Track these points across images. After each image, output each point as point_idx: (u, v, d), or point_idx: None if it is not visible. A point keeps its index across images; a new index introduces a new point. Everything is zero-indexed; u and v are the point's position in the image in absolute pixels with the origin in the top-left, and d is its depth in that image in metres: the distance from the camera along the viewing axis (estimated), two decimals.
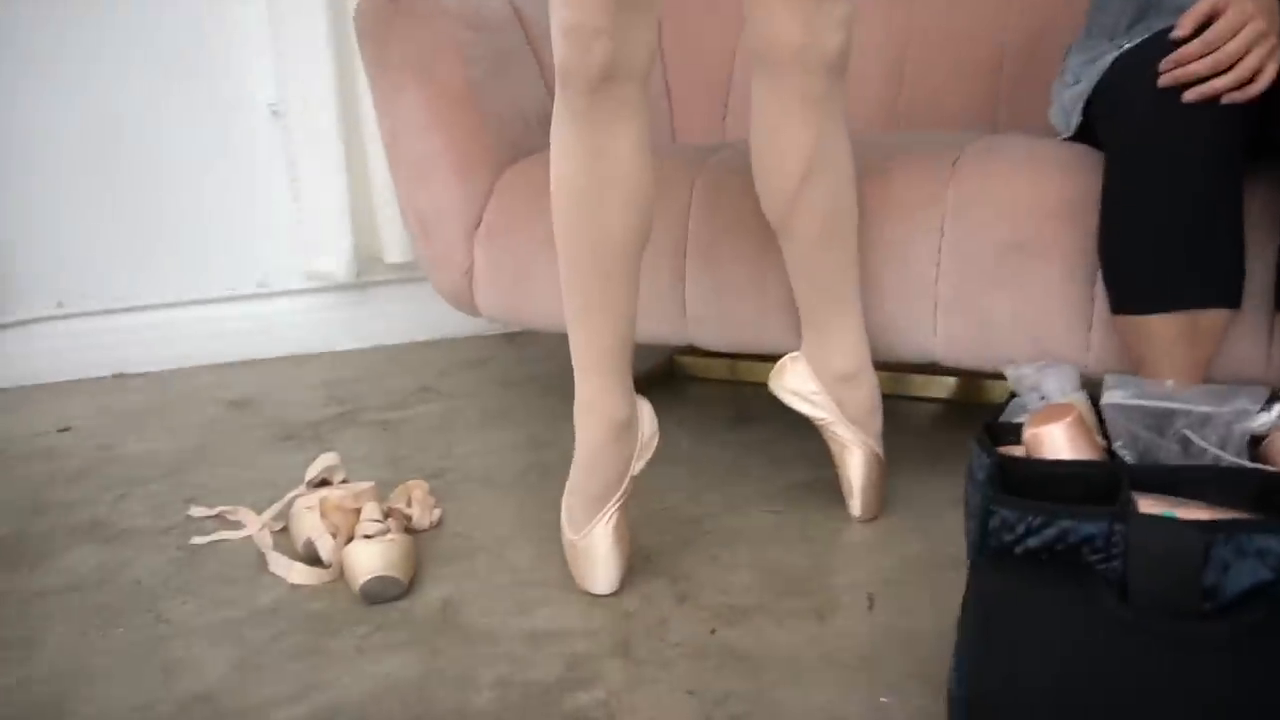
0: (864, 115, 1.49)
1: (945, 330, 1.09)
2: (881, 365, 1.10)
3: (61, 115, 1.87)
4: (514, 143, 1.41)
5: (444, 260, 1.38)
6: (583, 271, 0.91)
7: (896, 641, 0.88)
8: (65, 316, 1.95)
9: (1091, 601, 0.53)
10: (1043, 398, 0.70)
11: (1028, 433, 0.64)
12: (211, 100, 1.91)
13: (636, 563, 1.04)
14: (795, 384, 1.06)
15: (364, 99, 1.85)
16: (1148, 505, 0.55)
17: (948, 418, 1.44)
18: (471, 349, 1.95)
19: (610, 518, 0.95)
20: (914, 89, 1.48)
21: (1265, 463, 0.61)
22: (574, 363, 0.95)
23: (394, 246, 1.92)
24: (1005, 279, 1.05)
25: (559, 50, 0.85)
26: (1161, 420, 0.61)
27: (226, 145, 1.92)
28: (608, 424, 0.93)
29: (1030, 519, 0.56)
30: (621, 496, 0.96)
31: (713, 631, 0.91)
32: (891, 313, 1.11)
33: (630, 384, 0.96)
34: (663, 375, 1.64)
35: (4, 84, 1.85)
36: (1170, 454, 0.61)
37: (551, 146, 0.90)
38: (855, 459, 1.06)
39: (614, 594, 0.98)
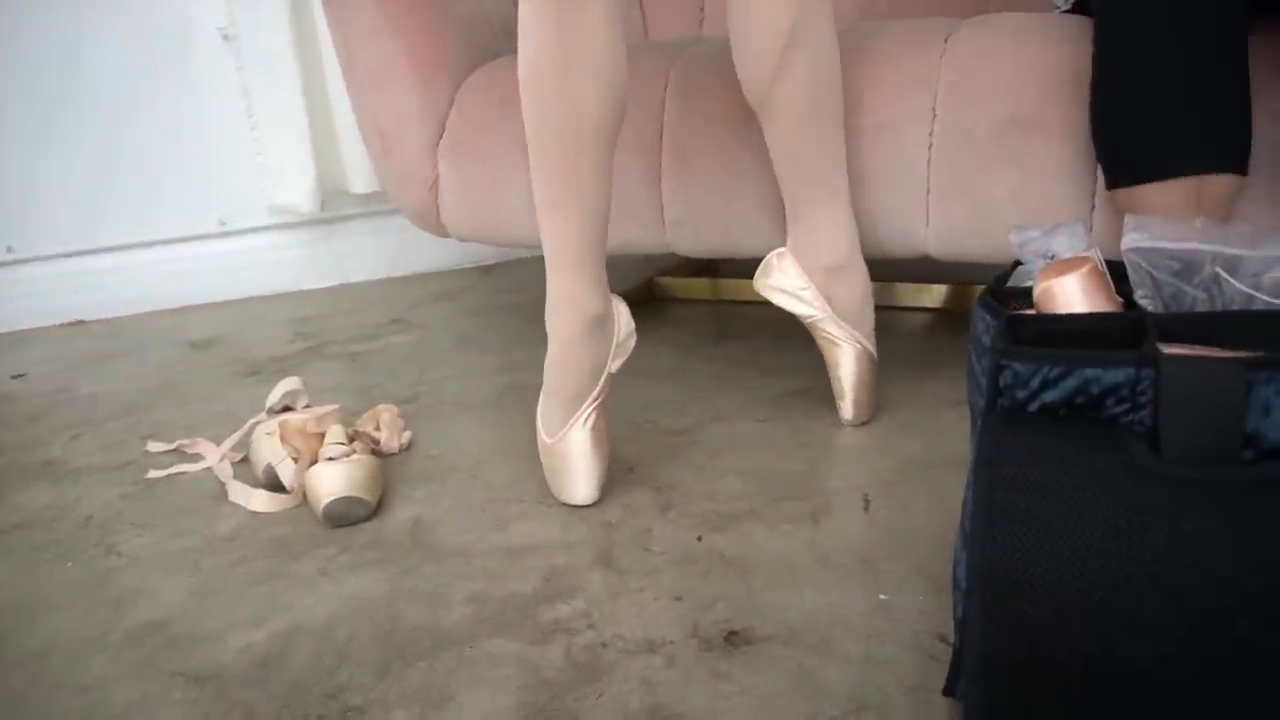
0: (842, 14, 1.41)
1: (938, 218, 1.03)
2: (871, 275, 1.03)
3: (1, 54, 1.77)
4: (478, 47, 1.32)
5: (406, 175, 1.30)
6: (553, 158, 0.83)
7: (896, 542, 0.83)
8: (16, 263, 1.87)
9: (1118, 455, 0.48)
10: (1051, 257, 0.64)
11: (1038, 288, 0.58)
12: (157, 28, 1.80)
13: (618, 475, 0.98)
14: (782, 281, 0.99)
15: (318, 17, 1.75)
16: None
17: (939, 326, 1.38)
18: (444, 282, 1.88)
19: (587, 418, 0.89)
20: None
21: None
22: (546, 259, 0.88)
23: (359, 176, 1.84)
24: (1004, 157, 0.97)
25: None
26: (1188, 265, 0.56)
27: (176, 75, 1.83)
28: (580, 318, 0.87)
29: (1047, 370, 0.50)
30: (599, 395, 0.89)
31: (699, 539, 0.86)
32: (879, 204, 1.04)
33: (604, 280, 0.89)
34: (643, 298, 1.57)
35: None
36: (1199, 303, 0.56)
37: (519, 24, 0.83)
38: (847, 357, 1.00)
39: (594, 505, 0.92)
